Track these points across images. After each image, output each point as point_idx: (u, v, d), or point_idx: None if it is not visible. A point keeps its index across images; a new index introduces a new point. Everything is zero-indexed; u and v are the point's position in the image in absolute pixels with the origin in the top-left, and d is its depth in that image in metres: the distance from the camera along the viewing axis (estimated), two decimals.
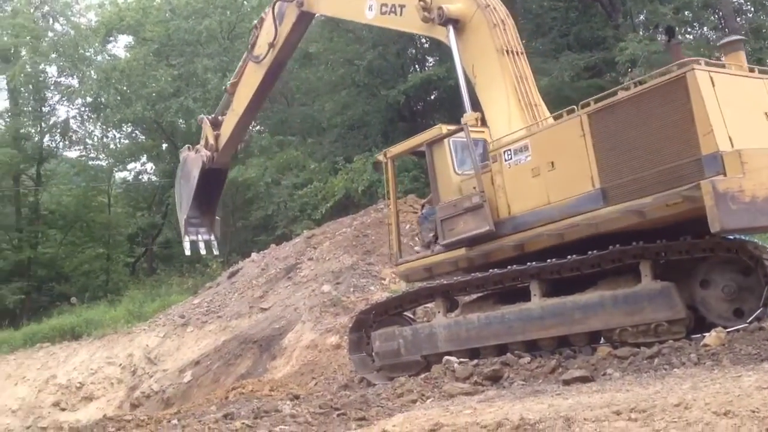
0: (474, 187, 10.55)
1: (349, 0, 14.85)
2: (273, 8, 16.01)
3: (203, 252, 18.51)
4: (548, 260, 9.81)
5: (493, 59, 11.49)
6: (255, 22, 17.62)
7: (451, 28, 11.89)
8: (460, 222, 10.66)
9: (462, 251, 10.85)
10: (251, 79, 16.85)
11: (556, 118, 10.37)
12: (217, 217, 18.92)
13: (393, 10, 13.38)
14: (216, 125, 17.84)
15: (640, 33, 24.54)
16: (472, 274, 10.97)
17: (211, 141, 17.70)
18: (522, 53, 11.82)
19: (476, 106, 11.59)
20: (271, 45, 16.03)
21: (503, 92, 11.28)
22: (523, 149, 10.15)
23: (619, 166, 9.10)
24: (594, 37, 25.80)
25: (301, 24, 16.10)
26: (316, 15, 16.69)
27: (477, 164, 10.59)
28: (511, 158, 10.29)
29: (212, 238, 18.26)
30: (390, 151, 12.45)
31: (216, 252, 18.96)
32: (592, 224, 9.35)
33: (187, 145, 19.00)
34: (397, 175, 13.11)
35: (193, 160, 18.10)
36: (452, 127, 11.44)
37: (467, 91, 11.70)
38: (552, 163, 9.79)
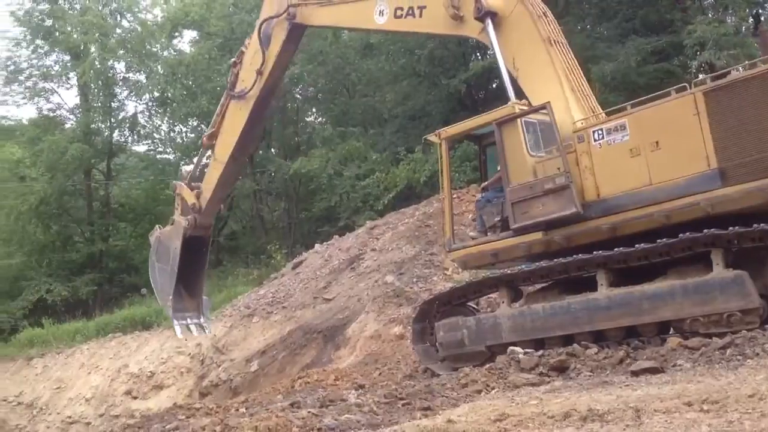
0: (558, 168, 10.15)
1: (353, 7, 14.44)
2: (258, 31, 15.37)
3: (195, 334, 17.28)
4: (615, 249, 9.63)
5: (541, 49, 11.37)
6: (233, 59, 16.50)
7: (489, 21, 11.72)
8: (537, 204, 10.26)
9: (538, 235, 10.48)
10: (236, 118, 15.88)
11: (658, 98, 9.98)
12: (204, 297, 17.48)
13: (410, 12, 13.09)
14: (194, 188, 16.63)
15: (709, 15, 23.81)
16: (536, 264, 10.85)
17: (193, 200, 16.40)
18: (566, 44, 11.76)
19: (519, 95, 11.40)
20: (259, 72, 15.27)
21: (556, 80, 11.13)
22: (619, 128, 9.84)
23: (741, 146, 8.81)
24: (661, 21, 25.11)
25: (292, 40, 15.46)
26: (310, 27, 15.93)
27: (560, 143, 10.26)
28: (602, 138, 9.98)
29: (202, 320, 16.89)
30: (445, 132, 11.99)
31: (209, 333, 17.92)
32: (706, 205, 9.07)
33: (156, 226, 17.60)
34: (450, 159, 12.60)
35: (170, 232, 16.74)
36: (526, 107, 11.05)
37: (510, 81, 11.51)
38: (656, 142, 9.51)
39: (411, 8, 13.10)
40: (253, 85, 15.43)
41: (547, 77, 11.19)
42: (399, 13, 13.28)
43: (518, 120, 10.74)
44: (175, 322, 16.56)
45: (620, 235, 9.87)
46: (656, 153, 9.52)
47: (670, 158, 9.39)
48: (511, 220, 10.63)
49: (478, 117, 11.74)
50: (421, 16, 12.99)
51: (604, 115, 10.90)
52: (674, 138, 9.38)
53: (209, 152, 17.03)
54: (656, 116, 9.66)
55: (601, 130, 10.02)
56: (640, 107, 9.97)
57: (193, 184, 16.75)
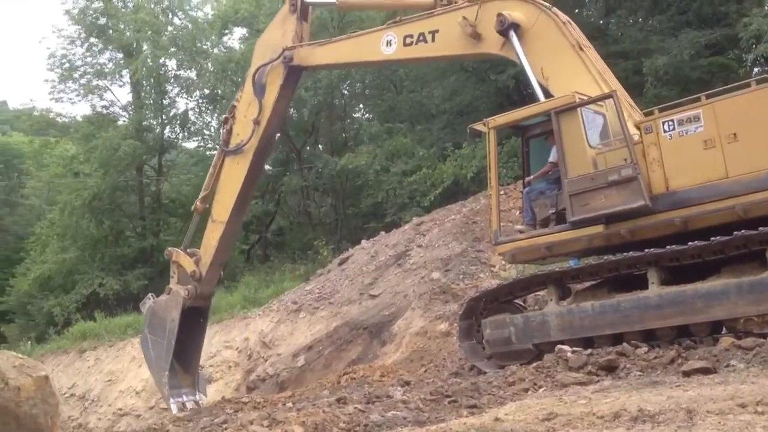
0: (625, 159, 9.91)
1: (356, 42, 14.35)
2: (252, 80, 15.09)
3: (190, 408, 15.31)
4: (668, 247, 9.45)
5: (571, 55, 11.32)
6: (224, 116, 15.93)
7: (513, 34, 11.66)
8: (599, 197, 10.01)
9: (599, 228, 10.23)
10: (234, 174, 15.26)
11: (736, 89, 9.77)
12: (200, 371, 16.45)
13: (421, 38, 12.97)
14: (190, 255, 15.66)
15: (766, 7, 23.20)
16: (585, 261, 10.71)
17: (192, 268, 15.35)
18: (593, 49, 11.75)
19: None
20: (256, 122, 14.86)
21: (593, 83, 11.01)
22: (693, 119, 9.59)
23: None
24: (715, 13, 24.57)
25: (289, 85, 15.17)
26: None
27: (627, 133, 10.05)
28: (672, 129, 9.74)
29: (198, 396, 15.51)
30: (494, 121, 11.69)
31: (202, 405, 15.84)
32: None
33: (149, 295, 16.48)
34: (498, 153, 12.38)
35: (167, 303, 15.46)
36: (586, 96, 10.83)
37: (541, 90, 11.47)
38: (734, 134, 9.27)
39: (422, 34, 12.97)
40: (251, 137, 14.97)
41: (582, 81, 11.06)
42: (409, 41, 13.13)
43: (578, 110, 10.52)
44: (171, 400, 15.09)
45: (691, 229, 9.64)
46: (733, 145, 9.26)
47: (749, 151, 9.14)
48: (569, 212, 10.37)
49: (531, 106, 11.47)
50: (434, 40, 12.88)
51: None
52: (754, 130, 9.13)
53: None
54: (734, 108, 9.39)
55: (672, 121, 9.76)
56: (717, 98, 9.68)
57: (188, 250, 15.86)
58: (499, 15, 11.79)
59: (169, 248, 16.31)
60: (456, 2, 13.10)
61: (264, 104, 14.94)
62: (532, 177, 11.69)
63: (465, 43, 12.51)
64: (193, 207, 16.31)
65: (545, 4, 12.09)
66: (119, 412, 22.24)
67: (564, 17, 11.93)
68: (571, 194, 10.31)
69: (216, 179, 15.60)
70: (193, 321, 15.64)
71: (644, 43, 24.03)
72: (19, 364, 3.36)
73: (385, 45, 13.46)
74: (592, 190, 10.10)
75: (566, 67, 11.25)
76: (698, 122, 9.55)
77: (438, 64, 28.85)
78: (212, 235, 15.55)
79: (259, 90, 14.99)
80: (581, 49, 11.46)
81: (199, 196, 15.98)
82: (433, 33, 12.85)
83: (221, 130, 15.78)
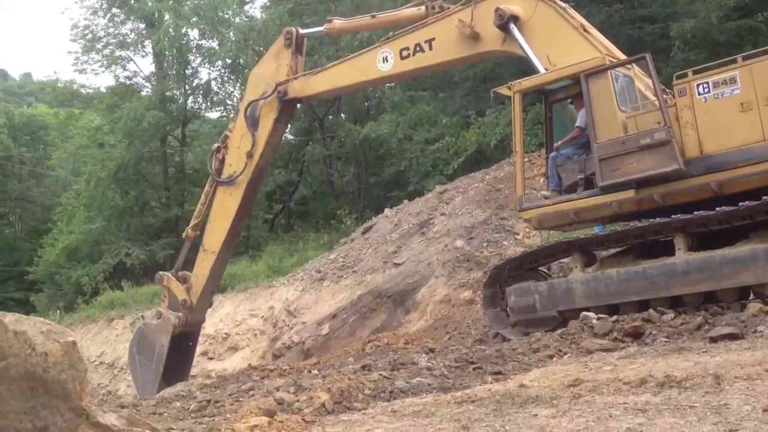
0: (658, 123, 9.73)
1: (351, 64, 14.25)
2: (245, 114, 14.94)
3: None
4: (695, 213, 9.33)
5: (576, 37, 11.21)
6: (215, 146, 15.69)
7: (513, 26, 11.60)
8: (630, 161, 9.84)
9: (630, 193, 10.11)
10: (226, 205, 15.14)
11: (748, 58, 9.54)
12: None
13: (418, 49, 12.90)
14: (181, 280, 15.55)
15: None
16: (611, 228, 10.61)
17: (183, 296, 15.24)
18: (594, 29, 11.68)
19: None
20: (249, 155, 14.73)
21: (603, 60, 10.78)
22: (729, 82, 9.39)
23: None
24: None
25: (283, 118, 15.07)
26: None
27: (661, 96, 9.88)
28: (708, 91, 9.54)
29: None
30: (519, 84, 11.46)
31: None
32: None
33: (138, 316, 16.21)
34: (523, 113, 12.20)
35: (157, 327, 15.22)
36: (616, 59, 10.68)
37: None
38: None
39: (418, 44, 12.91)
40: (244, 169, 14.85)
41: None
42: (405, 53, 13.06)
43: (608, 72, 10.34)
44: None
45: (726, 194, 9.49)
46: None
47: None
48: (599, 177, 10.24)
49: (558, 69, 11.19)
50: (431, 48, 12.81)
51: None
52: None
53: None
54: None
55: (707, 83, 9.57)
56: (754, 60, 9.46)
57: (179, 273, 15.75)
58: (497, 9, 11.75)
59: (160, 273, 16.10)
60: (449, 8, 13.05)
61: (257, 138, 14.84)
62: (560, 142, 11.50)
63: (464, 45, 12.47)
64: (184, 234, 16.22)
65: None
66: None
67: (562, 3, 11.80)
68: (600, 159, 10.16)
69: (207, 207, 15.52)
70: (183, 345, 15.59)
71: (671, 6, 23.59)
72: (47, 329, 3.38)
73: (381, 62, 13.40)
74: (622, 154, 9.95)
75: (573, 50, 11.09)
76: (734, 84, 9.36)
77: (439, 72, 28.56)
78: (203, 264, 15.44)
79: (252, 123, 14.87)
80: (585, 30, 11.35)
81: (191, 224, 15.92)
82: (430, 41, 12.80)
83: (212, 159, 15.58)
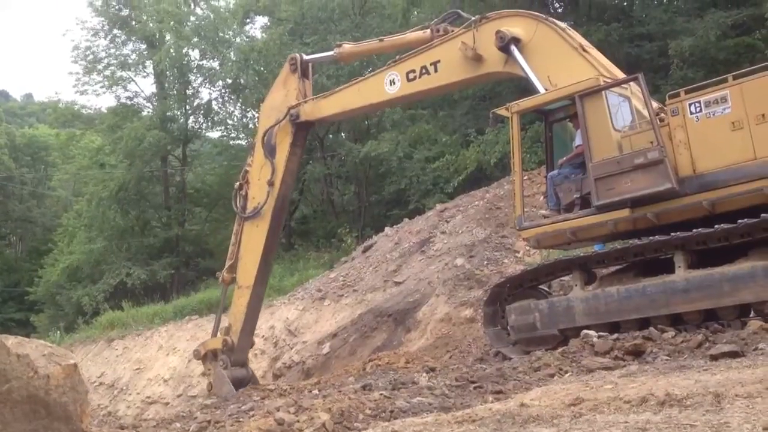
0: (651, 142, 9.81)
1: (359, 87, 14.39)
2: (262, 143, 15.07)
3: None
4: (694, 230, 9.36)
5: (576, 57, 11.31)
6: (237, 184, 15.71)
7: (514, 48, 11.74)
8: (624, 180, 9.91)
9: (624, 212, 10.15)
10: (254, 238, 15.11)
11: (763, 69, 9.58)
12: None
13: (424, 71, 13.10)
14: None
15: None
16: (611, 246, 10.62)
17: (218, 345, 15.13)
18: (594, 49, 11.77)
19: None
20: (270, 183, 14.83)
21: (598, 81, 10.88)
22: (720, 101, 9.46)
23: None
24: None
25: (298, 142, 15.16)
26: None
27: (653, 116, 9.96)
28: (699, 111, 9.61)
29: None
30: (517, 105, 11.57)
31: None
32: None
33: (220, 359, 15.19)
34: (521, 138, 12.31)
35: (216, 381, 14.96)
36: (613, 78, 10.77)
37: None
38: (763, 115, 9.14)
39: (424, 67, 13.10)
40: (267, 199, 14.93)
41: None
42: (412, 76, 13.25)
43: (603, 93, 10.44)
44: None
45: (719, 212, 9.53)
46: (762, 126, 9.14)
47: None
48: (594, 196, 10.31)
49: (555, 90, 11.29)
50: (436, 71, 12.99)
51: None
52: None
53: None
54: (762, 88, 9.25)
55: (699, 102, 9.63)
56: (744, 79, 9.53)
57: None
58: (498, 32, 11.89)
59: (196, 348, 15.89)
60: (453, 31, 13.24)
61: (276, 164, 14.94)
62: (563, 160, 11.57)
63: (468, 67, 12.63)
64: (220, 278, 15.88)
65: (541, 15, 12.20)
66: (147, 400, 22.46)
67: (562, 24, 11.98)
68: (596, 178, 10.23)
69: (238, 247, 15.43)
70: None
71: (669, 24, 23.73)
72: (48, 352, 3.40)
73: (388, 85, 13.57)
74: (617, 173, 10.02)
75: (573, 70, 11.16)
76: (725, 103, 9.41)
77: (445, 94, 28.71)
78: (240, 302, 15.30)
79: (269, 152, 14.99)
80: (584, 50, 11.45)
81: (225, 266, 15.62)
82: (435, 64, 12.98)
83: (236, 198, 15.60)
